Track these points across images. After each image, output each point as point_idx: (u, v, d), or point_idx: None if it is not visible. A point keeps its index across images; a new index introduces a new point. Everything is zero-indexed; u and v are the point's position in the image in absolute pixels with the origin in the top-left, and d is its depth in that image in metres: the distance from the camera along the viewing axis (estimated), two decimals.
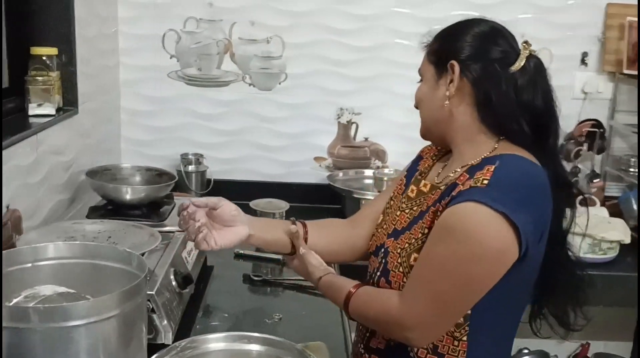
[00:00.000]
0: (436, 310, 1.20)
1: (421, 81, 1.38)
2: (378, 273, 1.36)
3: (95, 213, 2.03)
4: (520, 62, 1.26)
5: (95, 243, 1.49)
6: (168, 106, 2.76)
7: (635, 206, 2.68)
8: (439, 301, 1.20)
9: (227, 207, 1.46)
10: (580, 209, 1.35)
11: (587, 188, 2.77)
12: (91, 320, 1.16)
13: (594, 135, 2.77)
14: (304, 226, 1.52)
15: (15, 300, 1.26)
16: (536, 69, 1.28)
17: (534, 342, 3.02)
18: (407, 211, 1.37)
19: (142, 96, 2.75)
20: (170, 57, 2.71)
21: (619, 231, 2.38)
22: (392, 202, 1.46)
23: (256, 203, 2.32)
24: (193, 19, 2.68)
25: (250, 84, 2.75)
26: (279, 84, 2.75)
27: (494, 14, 2.67)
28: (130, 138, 2.79)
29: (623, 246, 2.41)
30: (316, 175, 2.82)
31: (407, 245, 1.30)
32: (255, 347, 1.53)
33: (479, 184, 1.17)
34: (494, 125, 1.28)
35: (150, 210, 2.05)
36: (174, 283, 1.69)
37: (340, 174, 2.76)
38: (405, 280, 1.27)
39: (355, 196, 2.53)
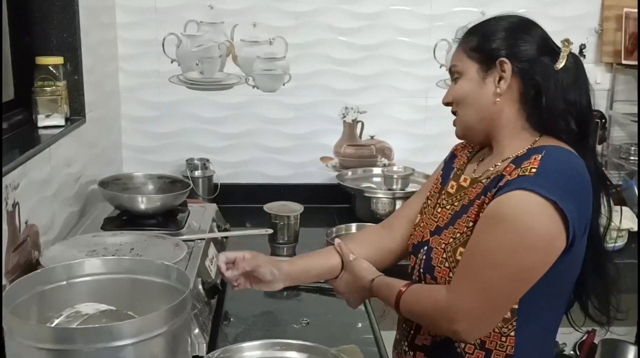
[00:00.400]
0: (485, 301, 1.20)
1: (457, 78, 1.35)
2: (422, 270, 1.36)
3: (110, 224, 2.00)
4: (562, 61, 1.27)
5: (131, 258, 1.47)
6: (170, 111, 2.73)
7: (637, 194, 2.72)
8: (487, 292, 1.19)
9: (264, 270, 1.47)
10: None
11: None
12: (140, 339, 1.14)
13: (596, 125, 2.78)
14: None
15: (56, 321, 1.24)
16: (578, 67, 1.29)
17: None
18: (447, 207, 1.37)
19: (144, 102, 2.72)
20: (172, 62, 2.68)
21: (628, 219, 2.40)
22: (429, 201, 1.46)
23: (270, 206, 2.30)
24: (194, 22, 2.65)
25: (253, 86, 2.73)
26: (283, 85, 2.74)
27: (494, 8, 2.69)
28: (132, 145, 2.75)
29: (631, 234, 2.43)
30: (324, 175, 2.81)
31: (451, 239, 1.30)
32: (291, 354, 1.52)
33: (527, 173, 1.18)
34: (540, 122, 1.29)
35: (166, 219, 2.02)
36: (202, 293, 1.68)
37: (349, 173, 2.75)
38: (451, 275, 1.27)
39: (366, 194, 2.53)
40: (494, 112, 1.30)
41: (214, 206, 2.26)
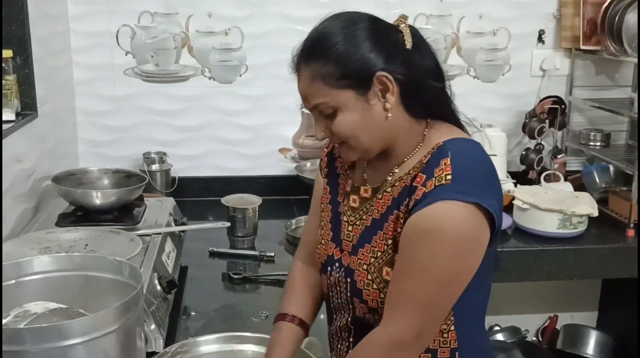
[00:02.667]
0: (430, 315, 1.17)
1: (332, 114, 1.20)
2: (348, 294, 1.28)
3: (65, 220, 1.96)
4: (409, 38, 1.19)
5: (82, 254, 1.43)
6: (126, 104, 2.68)
7: (597, 180, 2.74)
8: (430, 306, 1.16)
9: None
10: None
11: (551, 164, 2.81)
12: (91, 337, 1.12)
13: (555, 111, 2.80)
14: (299, 320, 1.42)
15: (4, 321, 1.20)
16: (421, 38, 1.22)
17: (504, 318, 3.07)
18: (357, 223, 1.29)
19: (98, 96, 2.66)
20: (126, 54, 2.63)
21: (587, 205, 2.41)
22: (323, 214, 1.38)
23: (227, 199, 2.27)
24: (148, 13, 2.60)
25: (210, 78, 2.69)
26: (240, 76, 2.70)
27: None
28: (88, 139, 2.70)
29: (591, 220, 2.45)
30: (282, 167, 2.77)
31: (372, 259, 1.24)
32: (249, 347, 1.51)
33: (443, 182, 1.13)
34: (420, 110, 1.22)
35: (122, 214, 1.99)
36: (158, 288, 1.65)
37: (308, 164, 2.71)
38: (382, 295, 1.22)
39: None
40: (388, 126, 1.21)
41: (171, 200, 2.22)
